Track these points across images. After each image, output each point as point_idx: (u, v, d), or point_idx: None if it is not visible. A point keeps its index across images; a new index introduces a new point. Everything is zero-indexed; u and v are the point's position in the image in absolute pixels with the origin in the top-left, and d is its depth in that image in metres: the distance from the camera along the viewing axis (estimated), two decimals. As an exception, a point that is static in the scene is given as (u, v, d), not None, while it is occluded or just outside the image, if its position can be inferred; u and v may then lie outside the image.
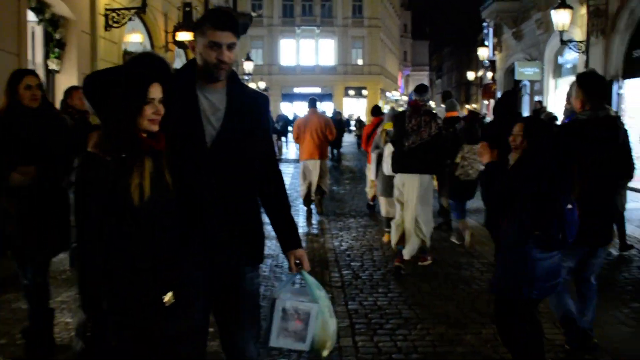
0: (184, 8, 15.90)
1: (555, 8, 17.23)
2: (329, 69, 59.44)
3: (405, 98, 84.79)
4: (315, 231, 10.61)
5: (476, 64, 69.18)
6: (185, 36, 15.01)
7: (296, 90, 58.13)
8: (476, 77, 50.47)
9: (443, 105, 10.91)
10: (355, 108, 54.28)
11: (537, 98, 22.66)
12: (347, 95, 58.71)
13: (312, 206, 12.04)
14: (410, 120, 7.59)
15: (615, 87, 16.06)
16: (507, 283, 4.32)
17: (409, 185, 7.59)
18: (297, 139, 12.08)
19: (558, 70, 21.65)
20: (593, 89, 4.79)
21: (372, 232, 10.19)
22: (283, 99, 56.80)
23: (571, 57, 20.11)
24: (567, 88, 19.21)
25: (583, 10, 17.83)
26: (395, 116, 8.29)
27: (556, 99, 21.91)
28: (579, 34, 18.28)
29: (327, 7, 59.37)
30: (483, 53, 30.68)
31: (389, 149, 8.29)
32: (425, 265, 7.95)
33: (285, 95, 57.57)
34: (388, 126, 8.67)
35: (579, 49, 17.88)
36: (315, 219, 11.66)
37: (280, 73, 58.66)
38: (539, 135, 4.29)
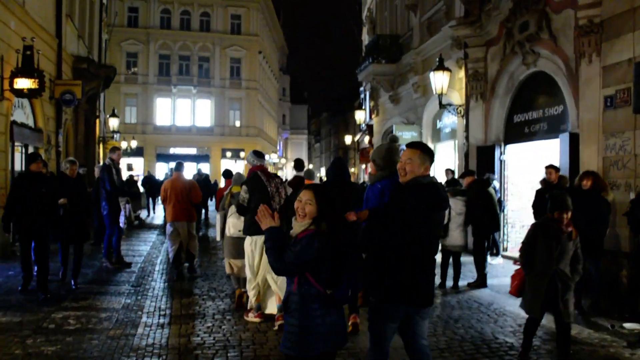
0: (24, 51, 14.28)
1: (433, 70, 16.79)
2: (205, 130, 58.47)
3: (284, 161, 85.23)
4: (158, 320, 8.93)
5: (354, 129, 70.16)
6: (25, 83, 13.36)
7: (172, 150, 56.84)
8: (353, 142, 50.46)
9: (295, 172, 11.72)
10: (233, 170, 52.81)
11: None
12: (224, 156, 57.59)
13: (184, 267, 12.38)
14: (270, 184, 8.20)
15: (497, 153, 15.62)
16: None
17: (261, 246, 8.02)
18: (164, 201, 12.39)
19: (437, 135, 21.18)
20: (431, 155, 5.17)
21: (232, 322, 8.72)
22: (158, 159, 55.03)
23: (450, 121, 19.77)
24: (447, 153, 18.78)
25: (461, 74, 17.55)
26: (253, 179, 8.38)
27: (436, 164, 21.43)
28: (457, 97, 17.95)
29: (205, 68, 58.71)
30: (360, 116, 30.37)
31: (232, 211, 8.89)
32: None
33: (160, 155, 55.82)
34: (236, 189, 9.22)
35: (458, 113, 17.50)
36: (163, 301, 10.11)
37: (155, 132, 57.12)
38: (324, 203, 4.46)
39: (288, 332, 4.37)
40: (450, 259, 11.71)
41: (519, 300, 7.42)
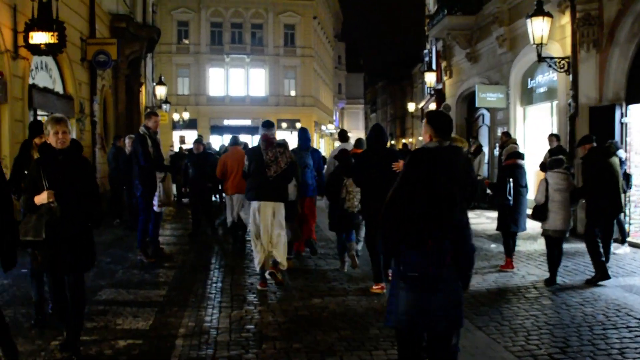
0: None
1: (530, 16, 13.79)
2: (260, 100, 56.07)
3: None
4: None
5: (415, 95, 67.12)
6: (41, 37, 10.93)
7: (226, 122, 54.76)
8: (417, 109, 47.39)
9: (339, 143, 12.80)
10: (289, 141, 50.60)
11: (502, 129, 19.22)
12: (280, 127, 54.95)
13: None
14: (267, 152, 8.59)
15: (617, 114, 12.64)
16: None
17: (265, 212, 8.57)
18: (222, 175, 11.94)
19: (528, 96, 18.09)
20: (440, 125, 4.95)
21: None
22: (212, 131, 52.57)
23: (545, 79, 16.75)
24: (542, 117, 15.74)
25: (564, 20, 14.54)
26: (253, 149, 9.13)
27: (526, 130, 18.48)
28: (557, 49, 14.93)
29: (258, 35, 56.21)
30: (430, 79, 27.21)
31: None
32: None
33: (214, 127, 53.61)
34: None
35: (561, 68, 14.50)
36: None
37: (208, 104, 54.94)
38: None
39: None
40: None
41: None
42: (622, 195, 11.62)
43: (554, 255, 9.30)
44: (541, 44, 13.84)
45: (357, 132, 79.28)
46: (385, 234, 4.41)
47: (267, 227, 8.60)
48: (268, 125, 9.00)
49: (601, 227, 9.65)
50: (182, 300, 8.12)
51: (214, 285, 9.08)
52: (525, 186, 10.40)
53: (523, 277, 9.64)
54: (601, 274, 9.14)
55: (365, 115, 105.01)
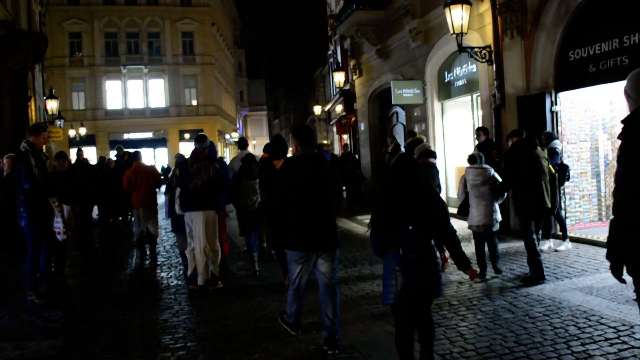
0: None
1: (448, 5, 12.99)
2: (160, 111, 54.20)
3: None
4: None
5: (315, 100, 66.28)
6: None
7: (126, 136, 52.45)
8: (323, 111, 46.58)
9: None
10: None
11: (420, 126, 18.44)
12: (182, 139, 53.34)
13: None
14: (192, 165, 9.14)
15: (547, 103, 11.95)
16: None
17: (196, 221, 9.14)
18: (127, 189, 12.38)
19: (445, 90, 17.36)
20: (302, 134, 6.35)
21: None
22: (111, 146, 49.87)
23: (463, 71, 16.05)
24: (462, 112, 15.19)
25: (482, 7, 13.86)
26: (181, 163, 9.86)
27: (445, 125, 17.76)
28: (477, 39, 14.22)
29: (155, 45, 54.24)
30: (339, 78, 26.22)
31: (178, 191, 9.73)
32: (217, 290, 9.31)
33: (114, 142, 50.61)
34: (177, 171, 10.04)
35: (482, 58, 13.77)
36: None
37: (107, 117, 52.48)
38: None
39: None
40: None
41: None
42: (559, 189, 11.04)
43: (481, 250, 9.29)
44: (461, 33, 13.07)
45: (261, 139, 78.24)
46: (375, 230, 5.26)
47: (199, 235, 9.10)
48: (200, 139, 9.47)
49: (536, 221, 9.17)
50: (82, 352, 6.69)
51: (121, 328, 7.66)
52: (438, 185, 10.22)
53: (471, 286, 8.74)
54: (537, 274, 8.75)
55: (269, 121, 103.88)
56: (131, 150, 15.35)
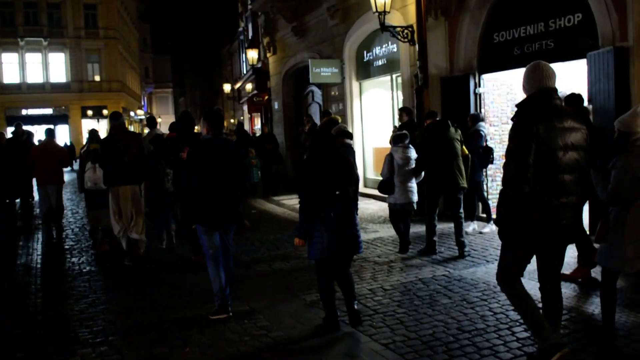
0: None
1: (371, -18, 12.80)
2: (61, 87, 51.79)
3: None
4: None
5: (223, 78, 65.30)
6: None
7: (24, 112, 49.88)
8: (233, 90, 45.85)
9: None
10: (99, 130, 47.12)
11: (337, 105, 18.24)
12: (85, 116, 51.44)
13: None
14: (120, 141, 9.44)
15: (471, 85, 11.96)
16: None
17: (125, 195, 9.54)
18: (33, 166, 12.33)
19: (365, 69, 17.22)
20: (213, 119, 6.96)
21: None
22: (8, 122, 47.41)
23: (383, 51, 15.92)
24: (381, 92, 15.20)
25: (406, -13, 13.74)
26: (105, 139, 10.11)
27: (362, 105, 17.62)
28: (399, 18, 14.10)
29: (56, 17, 51.48)
30: (252, 55, 25.66)
31: (88, 166, 10.54)
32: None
33: (11, 117, 48.10)
34: (93, 146, 10.80)
35: (404, 38, 13.65)
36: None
37: (3, 92, 49.51)
38: None
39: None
40: None
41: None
42: (482, 171, 11.13)
43: (400, 228, 9.60)
44: (384, 11, 12.93)
45: (167, 117, 76.58)
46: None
47: (126, 209, 9.56)
48: (116, 116, 10.03)
49: (447, 204, 9.87)
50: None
51: (32, 321, 7.12)
52: None
53: (402, 270, 8.62)
54: (429, 248, 9.52)
55: (175, 99, 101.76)
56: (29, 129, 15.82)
